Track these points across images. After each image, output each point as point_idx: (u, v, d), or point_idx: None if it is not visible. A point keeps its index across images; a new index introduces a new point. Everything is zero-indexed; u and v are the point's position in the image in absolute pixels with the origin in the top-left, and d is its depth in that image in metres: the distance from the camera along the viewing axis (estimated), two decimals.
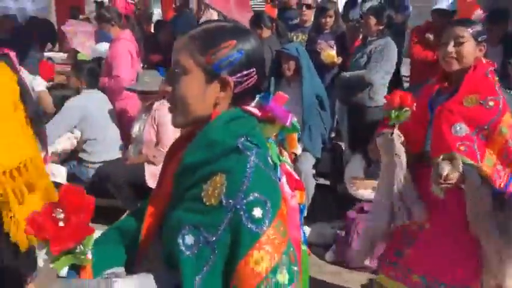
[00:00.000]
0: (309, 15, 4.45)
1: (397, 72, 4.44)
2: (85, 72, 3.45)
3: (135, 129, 3.46)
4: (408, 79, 5.25)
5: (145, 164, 3.33)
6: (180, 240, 0.92)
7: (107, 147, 3.46)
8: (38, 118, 2.13)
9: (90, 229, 0.99)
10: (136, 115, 3.69)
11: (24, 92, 2.04)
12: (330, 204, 3.74)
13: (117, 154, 3.54)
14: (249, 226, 0.90)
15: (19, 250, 2.15)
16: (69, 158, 3.43)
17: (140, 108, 3.59)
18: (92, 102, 3.41)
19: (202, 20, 6.51)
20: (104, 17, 3.93)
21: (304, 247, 1.12)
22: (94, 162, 3.40)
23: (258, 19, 4.30)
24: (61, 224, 0.95)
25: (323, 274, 2.97)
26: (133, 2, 5.67)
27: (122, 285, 0.93)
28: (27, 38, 3.96)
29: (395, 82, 4.28)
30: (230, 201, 0.91)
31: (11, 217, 2.00)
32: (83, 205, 0.97)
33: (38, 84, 3.48)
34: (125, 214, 1.27)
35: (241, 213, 0.90)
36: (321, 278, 2.92)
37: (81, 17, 6.88)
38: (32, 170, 1.90)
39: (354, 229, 2.99)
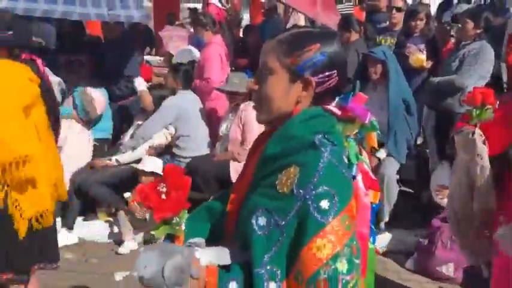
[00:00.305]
0: (399, 18, 4.36)
1: (497, 77, 4.16)
2: (181, 74, 3.74)
3: (223, 128, 3.68)
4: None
5: (231, 161, 3.53)
6: (253, 221, 1.03)
7: (197, 143, 3.72)
8: (55, 119, 2.36)
9: (186, 204, 1.15)
10: (224, 115, 3.93)
11: (46, 95, 2.25)
12: (413, 211, 3.63)
13: (206, 150, 3.78)
14: (315, 215, 0.98)
15: (33, 237, 2.32)
16: (164, 152, 3.74)
17: (228, 109, 3.81)
18: (186, 102, 3.70)
19: (289, 23, 6.64)
20: (200, 22, 4.22)
21: (371, 245, 1.17)
22: (185, 157, 3.68)
23: (346, 23, 4.31)
24: (163, 196, 1.11)
25: (402, 282, 2.91)
26: (225, 8, 5.98)
27: (201, 252, 1.06)
28: (132, 43, 4.38)
29: (496, 88, 4.02)
30: (300, 191, 0.99)
31: (16, 206, 2.20)
32: (182, 183, 1.13)
33: (139, 85, 3.86)
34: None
35: (309, 203, 0.99)
36: (399, 285, 2.87)
37: (176, 22, 7.41)
38: (31, 166, 2.05)
39: (439, 238, 2.90)
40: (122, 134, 3.95)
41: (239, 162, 3.51)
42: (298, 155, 1.03)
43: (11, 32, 2.17)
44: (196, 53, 4.70)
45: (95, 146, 3.88)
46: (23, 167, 2.03)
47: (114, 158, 3.63)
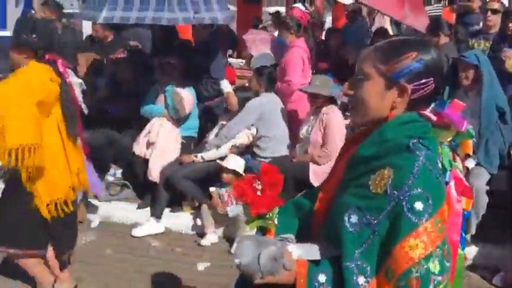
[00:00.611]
0: (495, 21, 4.10)
1: None
2: (264, 76, 3.86)
3: (303, 130, 3.74)
4: None
5: (310, 164, 3.57)
6: (345, 219, 1.08)
7: (277, 144, 3.82)
8: (70, 118, 2.51)
9: (280, 201, 1.23)
10: (304, 117, 3.98)
11: (64, 94, 2.45)
12: (502, 225, 3.40)
13: (285, 152, 3.87)
14: (409, 216, 1.01)
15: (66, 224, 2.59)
16: (245, 151, 3.89)
17: (309, 111, 3.86)
18: (268, 104, 3.81)
19: (374, 27, 6.52)
20: (285, 24, 4.31)
21: (461, 252, 1.16)
22: (265, 157, 3.79)
23: (435, 25, 4.16)
24: (258, 193, 1.21)
25: None
26: (308, 11, 6.02)
27: (293, 247, 1.14)
28: (218, 46, 4.58)
29: None
30: (395, 192, 1.03)
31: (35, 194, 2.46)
32: (276, 181, 1.22)
33: (225, 87, 4.05)
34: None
35: (403, 203, 1.02)
36: None
37: (260, 26, 7.60)
38: (40, 154, 2.25)
39: None
40: (207, 133, 4.15)
41: (319, 165, 3.54)
42: (392, 157, 1.07)
43: (34, 36, 2.40)
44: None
45: (182, 143, 4.14)
46: (34, 154, 2.23)
47: (199, 155, 3.84)
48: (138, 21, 3.50)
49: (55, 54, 2.50)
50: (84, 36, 5.96)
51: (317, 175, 3.52)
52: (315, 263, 1.11)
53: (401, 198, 1.02)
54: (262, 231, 1.28)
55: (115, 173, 4.48)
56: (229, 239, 3.66)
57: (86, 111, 2.85)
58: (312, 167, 3.54)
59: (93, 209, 4.11)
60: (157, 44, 4.67)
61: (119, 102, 4.53)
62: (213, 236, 3.61)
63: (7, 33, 6.33)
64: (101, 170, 4.20)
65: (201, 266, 3.30)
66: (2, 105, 2.23)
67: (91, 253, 3.49)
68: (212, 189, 3.60)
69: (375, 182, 1.07)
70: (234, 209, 3.52)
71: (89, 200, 4.09)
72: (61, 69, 2.48)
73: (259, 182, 1.23)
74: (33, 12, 8.78)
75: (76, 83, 2.68)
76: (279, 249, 1.06)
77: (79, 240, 3.63)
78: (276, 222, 1.28)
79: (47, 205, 2.48)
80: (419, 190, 1.02)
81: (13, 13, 10.00)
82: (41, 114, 2.35)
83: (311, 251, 1.13)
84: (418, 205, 1.01)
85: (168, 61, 4.18)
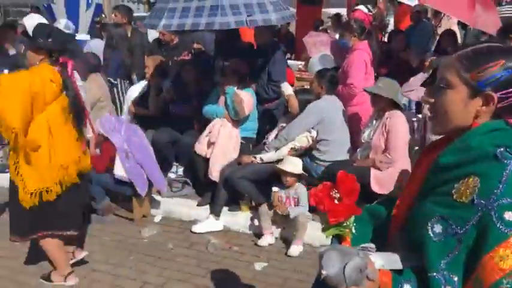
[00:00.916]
0: None
1: None
2: (326, 79, 3.84)
3: (365, 134, 3.68)
4: None
5: (371, 169, 3.51)
6: (429, 228, 1.07)
7: (337, 148, 3.78)
8: (77, 114, 2.81)
9: (358, 209, 1.24)
10: (366, 121, 3.92)
11: (71, 93, 2.75)
12: None
13: (345, 156, 3.83)
14: (498, 226, 0.99)
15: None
16: (304, 154, 3.89)
17: (371, 115, 3.79)
18: (329, 107, 3.79)
19: (440, 30, 6.28)
20: (349, 27, 4.26)
21: None
22: (324, 161, 3.77)
23: (508, 28, 3.94)
24: (336, 201, 1.22)
25: None
26: (371, 13, 5.90)
27: (375, 256, 1.14)
28: (278, 47, 4.62)
29: None
30: (482, 201, 1.01)
31: (20, 181, 2.74)
32: (354, 189, 1.22)
33: (287, 89, 4.07)
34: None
35: (492, 213, 1.00)
36: None
37: (320, 28, 7.55)
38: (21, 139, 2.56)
39: None
40: (266, 135, 4.20)
41: (380, 170, 3.48)
42: (478, 166, 1.05)
43: (50, 40, 2.73)
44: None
45: (241, 143, 4.22)
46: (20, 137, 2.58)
47: (259, 156, 3.90)
48: (192, 28, 3.63)
49: (67, 58, 2.83)
50: (150, 39, 6.23)
51: (378, 180, 3.46)
52: (397, 272, 1.11)
53: (489, 207, 1.00)
54: (339, 239, 1.29)
55: (177, 170, 4.66)
56: (286, 240, 3.69)
57: (88, 109, 3.14)
58: (373, 172, 3.48)
59: (156, 204, 4.30)
60: (220, 46, 4.79)
61: (182, 102, 4.70)
62: (270, 237, 3.65)
63: (81, 36, 6.78)
64: (164, 167, 4.38)
65: (258, 266, 3.35)
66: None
67: (154, 246, 3.65)
68: (275, 189, 3.63)
69: (459, 190, 1.05)
70: (294, 211, 3.54)
71: (152, 195, 4.29)
72: (69, 71, 2.79)
73: (336, 191, 1.25)
74: (103, 16, 9.32)
75: (82, 86, 2.96)
76: (362, 260, 1.07)
77: (143, 233, 3.85)
78: (353, 230, 1.29)
79: (31, 194, 2.73)
80: (509, 200, 0.99)
81: (84, 17, 10.66)
82: (35, 109, 2.66)
83: (393, 261, 1.13)
84: (508, 215, 0.99)
85: (230, 63, 4.29)
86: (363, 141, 3.71)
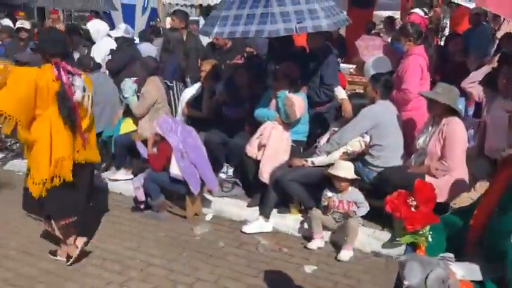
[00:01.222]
0: None
1: None
2: (380, 83, 3.80)
3: (420, 140, 3.61)
4: None
5: (426, 176, 3.43)
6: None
7: (390, 154, 3.73)
8: (65, 110, 3.03)
9: (436, 218, 1.25)
10: (421, 127, 3.84)
11: (60, 92, 2.98)
12: None
13: (399, 162, 3.76)
14: None
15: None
16: (356, 158, 3.86)
17: (427, 121, 3.71)
18: (383, 112, 3.74)
19: (499, 32, 6.01)
20: (405, 31, 4.19)
21: None
22: (377, 166, 3.73)
23: None
24: (412, 209, 1.24)
25: None
26: (427, 16, 5.77)
27: (455, 267, 1.14)
28: (331, 51, 4.61)
29: None
30: None
31: (28, 174, 3.11)
32: (431, 198, 1.24)
33: (340, 93, 4.07)
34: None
35: None
36: None
37: (372, 31, 7.44)
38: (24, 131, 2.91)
39: None
40: (317, 138, 4.21)
41: (436, 177, 3.40)
42: None
43: (48, 43, 3.09)
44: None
45: (291, 146, 4.26)
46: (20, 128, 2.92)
47: (310, 159, 3.92)
48: (243, 35, 3.71)
49: (59, 59, 3.09)
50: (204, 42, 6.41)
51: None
52: (478, 283, 1.11)
53: None
54: (413, 247, 1.31)
55: (227, 171, 4.77)
56: (335, 244, 3.68)
57: (89, 109, 3.32)
58: (428, 179, 3.39)
59: (207, 203, 4.42)
60: (272, 50, 4.85)
61: (234, 105, 4.81)
62: (320, 241, 3.66)
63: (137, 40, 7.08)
64: (215, 168, 4.50)
65: (308, 269, 3.37)
66: (10, 79, 2.90)
67: (205, 244, 3.77)
68: (329, 194, 3.63)
69: None
70: (359, 212, 3.54)
71: (203, 194, 4.42)
72: (61, 71, 3.04)
73: (412, 198, 1.26)
74: (158, 20, 9.67)
75: (79, 86, 3.14)
76: (444, 270, 1.08)
77: (195, 231, 3.98)
78: (430, 239, 1.30)
79: (38, 185, 3.05)
80: None
81: (140, 21, 11.11)
82: (40, 105, 2.96)
83: (473, 271, 1.13)
84: None
85: (281, 67, 4.34)
86: (417, 147, 3.64)
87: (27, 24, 7.41)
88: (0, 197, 4.65)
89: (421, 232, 1.26)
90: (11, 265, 3.35)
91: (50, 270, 3.29)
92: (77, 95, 3.10)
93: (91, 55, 5.98)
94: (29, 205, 3.29)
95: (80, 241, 3.40)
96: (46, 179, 3.04)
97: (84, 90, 3.17)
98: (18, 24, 7.41)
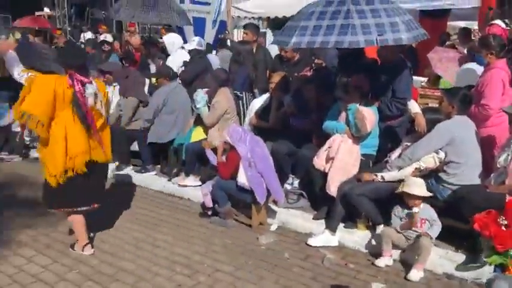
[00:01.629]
0: None
1: None
2: (457, 98, 3.64)
3: (501, 158, 3.40)
4: None
5: (507, 196, 3.22)
6: None
7: (467, 172, 3.55)
8: (80, 114, 3.42)
9: None
10: (502, 144, 3.62)
11: (74, 99, 3.40)
12: None
13: (477, 180, 3.56)
14: None
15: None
16: (428, 175, 3.71)
17: (509, 138, 3.50)
18: (460, 128, 3.57)
19: None
20: (487, 44, 3.99)
21: None
22: (453, 184, 3.56)
23: None
24: (503, 228, 1.19)
25: None
26: (509, 28, 5.44)
27: None
28: (405, 65, 4.48)
29: None
30: None
31: (45, 166, 3.49)
32: None
33: (413, 107, 3.95)
34: None
35: None
36: None
37: (447, 43, 7.14)
38: (43, 129, 3.34)
39: None
40: (388, 153, 4.10)
41: None
42: None
43: (67, 57, 3.54)
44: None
45: (360, 160, 4.18)
46: (41, 127, 3.34)
47: (380, 174, 3.83)
48: (322, 46, 3.70)
49: (74, 71, 3.48)
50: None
51: None
52: None
53: None
54: (502, 268, 1.25)
55: (293, 182, 4.78)
56: (405, 263, 3.56)
57: (104, 114, 3.67)
58: (511, 200, 3.19)
59: (272, 213, 4.46)
60: (343, 62, 4.82)
61: (302, 116, 4.83)
62: (388, 259, 3.55)
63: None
64: (280, 178, 4.53)
65: (376, 286, 3.28)
66: (34, 85, 3.37)
67: (270, 254, 3.80)
68: (415, 210, 3.48)
69: None
70: (432, 231, 3.40)
71: (269, 204, 4.46)
72: (75, 81, 3.45)
73: (503, 218, 1.21)
74: (227, 32, 9.98)
75: (91, 93, 3.52)
76: None
77: (261, 240, 4.02)
78: None
79: (54, 176, 3.42)
80: None
81: (210, 34, 11.53)
82: (58, 107, 3.39)
83: None
84: None
85: (353, 80, 4.30)
86: (498, 166, 3.43)
87: (109, 38, 7.99)
88: None
89: (511, 253, 1.19)
90: (92, 262, 3.58)
91: (125, 269, 3.49)
92: (89, 101, 3.52)
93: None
94: (45, 197, 3.68)
95: (89, 250, 3.72)
96: (61, 172, 3.43)
97: (96, 96, 3.58)
98: (102, 37, 8.00)
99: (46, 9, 18.01)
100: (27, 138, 6.40)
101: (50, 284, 3.26)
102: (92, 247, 3.75)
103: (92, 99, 3.54)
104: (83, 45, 9.26)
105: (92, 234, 3.95)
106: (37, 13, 17.35)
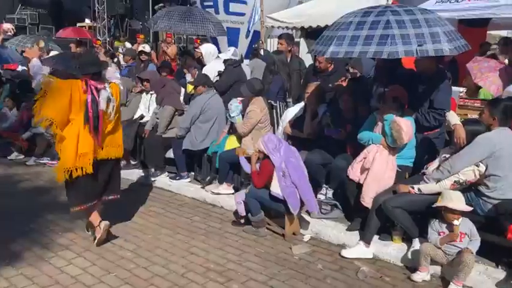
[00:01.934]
0: None
1: None
2: (499, 109, 3.53)
3: None
4: None
5: None
6: None
7: (509, 186, 3.43)
8: (95, 124, 3.79)
9: None
10: None
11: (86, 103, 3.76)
12: None
13: None
14: None
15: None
16: (468, 188, 3.60)
17: None
18: (502, 140, 3.45)
19: None
20: None
21: None
22: (494, 198, 3.45)
23: None
24: None
25: None
26: None
27: None
28: (444, 75, 4.39)
29: None
30: None
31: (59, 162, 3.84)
32: None
33: (453, 118, 3.82)
34: None
35: None
36: None
37: (488, 53, 6.93)
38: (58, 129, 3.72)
39: None
40: (426, 165, 4.01)
41: None
42: None
43: (85, 65, 3.88)
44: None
45: (397, 171, 4.11)
46: (55, 127, 3.73)
47: (416, 186, 3.74)
48: (360, 55, 3.68)
49: (89, 77, 3.83)
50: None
51: None
52: None
53: None
54: None
55: (326, 193, 4.74)
56: (443, 278, 3.46)
57: (112, 117, 4.02)
58: None
59: (305, 223, 4.44)
60: (380, 72, 4.78)
61: (337, 127, 4.80)
62: (425, 274, 3.46)
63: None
64: (314, 188, 4.51)
65: None
66: (51, 91, 3.69)
67: (304, 264, 3.78)
68: (456, 223, 3.35)
69: None
70: (473, 245, 3.30)
71: (302, 215, 4.45)
72: (89, 87, 3.79)
73: None
74: (261, 42, 10.08)
75: (104, 98, 3.83)
76: None
77: (294, 250, 4.01)
78: None
79: (65, 171, 3.75)
80: None
81: (243, 44, 11.67)
82: (73, 111, 3.73)
83: None
84: None
85: (390, 90, 4.25)
86: None
87: (147, 48, 8.25)
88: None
89: None
90: (128, 266, 3.68)
91: (160, 274, 3.55)
92: (102, 105, 3.82)
93: None
94: (68, 197, 4.03)
95: (104, 224, 4.00)
96: (69, 168, 3.75)
97: (109, 100, 3.87)
98: (140, 48, 8.27)
99: (87, 21, 18.77)
100: None
101: (88, 285, 3.36)
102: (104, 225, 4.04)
103: (105, 103, 3.85)
104: (122, 56, 9.58)
105: (126, 238, 4.06)
106: (79, 24, 18.12)
